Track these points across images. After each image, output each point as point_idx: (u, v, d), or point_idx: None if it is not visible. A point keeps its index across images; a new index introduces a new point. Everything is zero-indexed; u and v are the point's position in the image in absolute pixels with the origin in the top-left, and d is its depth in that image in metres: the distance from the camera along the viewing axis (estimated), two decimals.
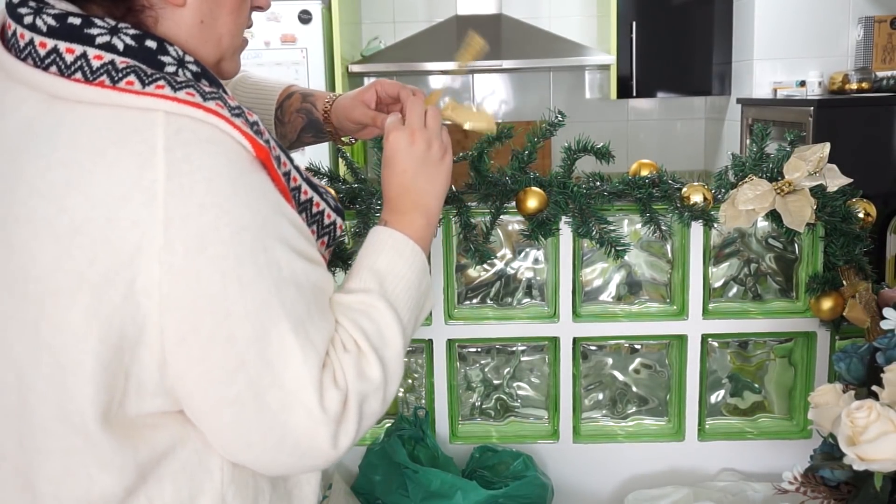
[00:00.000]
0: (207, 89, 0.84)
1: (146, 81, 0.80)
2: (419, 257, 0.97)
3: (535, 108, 4.45)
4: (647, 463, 1.49)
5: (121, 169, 0.77)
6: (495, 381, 1.54)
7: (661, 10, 4.09)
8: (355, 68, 3.90)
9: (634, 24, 4.05)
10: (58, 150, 0.79)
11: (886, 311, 1.07)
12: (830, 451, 1.12)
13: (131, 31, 0.83)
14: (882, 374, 1.02)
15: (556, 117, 1.39)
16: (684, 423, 1.48)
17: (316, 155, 2.60)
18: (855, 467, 0.94)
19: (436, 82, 4.48)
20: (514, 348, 1.52)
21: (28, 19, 0.83)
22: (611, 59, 4.01)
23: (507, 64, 3.92)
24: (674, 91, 4.24)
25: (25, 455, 0.83)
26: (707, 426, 1.50)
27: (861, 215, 1.36)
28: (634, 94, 4.15)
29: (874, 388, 1.02)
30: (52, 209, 0.77)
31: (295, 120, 1.24)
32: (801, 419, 1.48)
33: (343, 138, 1.25)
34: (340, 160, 1.57)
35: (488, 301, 1.49)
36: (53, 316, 0.78)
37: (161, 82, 0.81)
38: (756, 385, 1.52)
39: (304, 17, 3.65)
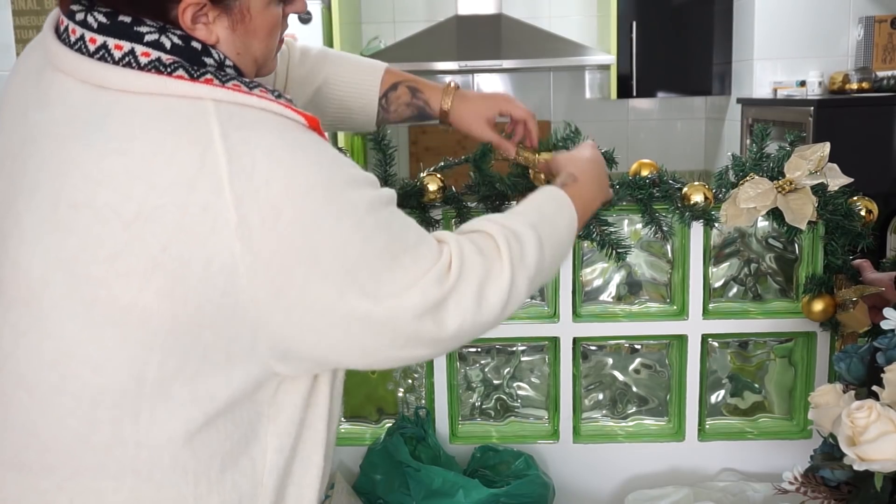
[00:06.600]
0: (248, 81, 0.88)
1: (194, 75, 0.84)
2: (575, 224, 1.09)
3: (536, 109, 4.38)
4: (647, 463, 1.49)
5: (182, 158, 0.80)
6: (495, 381, 1.54)
7: (661, 10, 4.09)
8: None
9: (634, 24, 4.05)
10: (111, 140, 0.81)
11: (887, 311, 1.07)
12: (830, 451, 1.12)
13: (178, 32, 0.86)
14: (882, 374, 1.02)
15: (569, 131, 1.37)
16: (684, 423, 1.48)
17: None
18: (855, 467, 0.94)
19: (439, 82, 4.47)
20: (514, 348, 1.52)
21: (79, 16, 0.86)
22: (611, 59, 4.01)
23: (507, 64, 3.92)
24: (674, 91, 4.24)
25: (65, 429, 0.84)
26: (707, 426, 1.50)
27: (863, 213, 1.36)
28: (634, 94, 4.14)
29: (874, 388, 1.02)
30: (116, 197, 0.80)
31: (403, 111, 1.34)
32: (801, 419, 1.48)
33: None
34: None
35: None
36: (121, 296, 0.80)
37: (209, 76, 0.84)
38: (756, 385, 1.52)
39: (304, 17, 3.65)
